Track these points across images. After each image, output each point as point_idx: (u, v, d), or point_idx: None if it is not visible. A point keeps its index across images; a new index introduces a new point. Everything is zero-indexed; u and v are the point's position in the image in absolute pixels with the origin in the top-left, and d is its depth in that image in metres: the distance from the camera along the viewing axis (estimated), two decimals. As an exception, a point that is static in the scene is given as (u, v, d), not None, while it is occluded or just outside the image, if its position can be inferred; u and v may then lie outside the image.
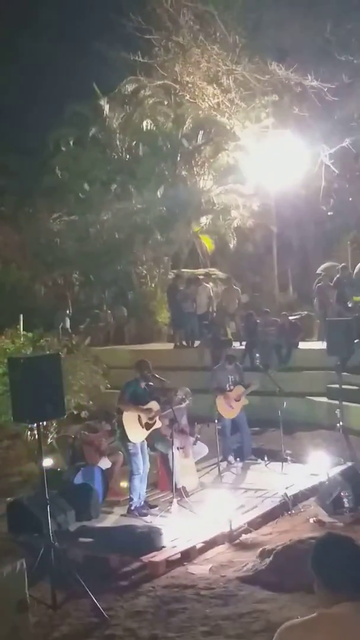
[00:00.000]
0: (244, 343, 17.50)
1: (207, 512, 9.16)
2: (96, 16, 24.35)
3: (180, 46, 23.30)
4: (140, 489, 9.71)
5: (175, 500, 9.61)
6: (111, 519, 9.56)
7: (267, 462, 11.61)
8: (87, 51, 23.09)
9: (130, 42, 22.97)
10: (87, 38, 23.46)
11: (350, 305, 16.50)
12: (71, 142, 25.35)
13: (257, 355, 16.64)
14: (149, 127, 24.57)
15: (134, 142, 24.84)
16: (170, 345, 19.97)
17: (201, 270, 24.26)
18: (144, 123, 24.49)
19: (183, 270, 24.08)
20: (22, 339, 14.63)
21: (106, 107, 24.43)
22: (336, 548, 2.94)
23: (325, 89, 21.56)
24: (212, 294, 19.76)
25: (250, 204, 23.79)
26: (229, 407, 11.84)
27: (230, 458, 11.85)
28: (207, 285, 20.05)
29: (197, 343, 18.87)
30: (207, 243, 25.81)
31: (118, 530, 8.91)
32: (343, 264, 18.32)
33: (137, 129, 24.67)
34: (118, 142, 24.86)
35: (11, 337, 14.70)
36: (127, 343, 21.09)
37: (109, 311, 22.65)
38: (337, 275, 17.85)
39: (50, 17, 26.01)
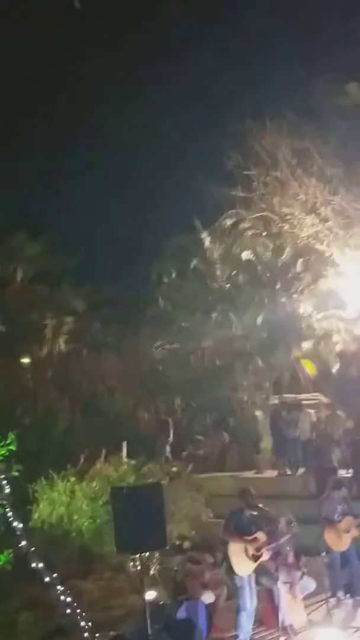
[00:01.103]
0: (350, 470, 16.96)
1: (317, 652, 8.71)
2: (198, 155, 25.68)
3: (279, 180, 24.12)
4: (246, 626, 9.35)
5: (282, 638, 9.20)
6: (216, 658, 9.22)
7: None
8: (189, 187, 24.23)
9: (230, 178, 23.99)
10: (189, 175, 24.68)
11: None
12: (173, 274, 26.24)
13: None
14: (248, 258, 25.21)
15: (234, 272, 25.46)
16: (274, 473, 19.57)
17: (304, 395, 24.00)
18: (244, 254, 25.16)
19: (285, 395, 23.90)
20: (125, 467, 14.73)
21: (206, 240, 25.31)
22: None
23: None
24: (315, 420, 19.43)
25: (353, 328, 23.67)
26: (338, 539, 11.38)
27: (340, 594, 11.29)
28: (310, 410, 19.76)
29: (301, 470, 18.44)
30: (309, 368, 25.63)
31: (223, 670, 8.57)
32: None
33: (236, 260, 25.32)
34: (218, 273, 25.54)
35: (114, 465, 14.83)
36: (230, 470, 20.81)
37: (211, 437, 22.56)
38: None
39: (151, 155, 27.60)
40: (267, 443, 21.78)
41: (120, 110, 27.99)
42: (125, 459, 15.99)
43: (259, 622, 10.13)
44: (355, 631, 9.81)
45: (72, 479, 14.49)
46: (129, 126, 27.92)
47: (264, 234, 25.46)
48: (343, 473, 16.93)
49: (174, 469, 16.03)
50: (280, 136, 23.71)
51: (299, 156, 23.91)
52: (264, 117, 23.69)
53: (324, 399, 23.68)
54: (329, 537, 11.27)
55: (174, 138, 26.87)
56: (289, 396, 23.60)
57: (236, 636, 9.29)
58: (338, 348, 24.35)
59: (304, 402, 21.35)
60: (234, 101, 24.48)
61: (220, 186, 23.80)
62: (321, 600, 10.82)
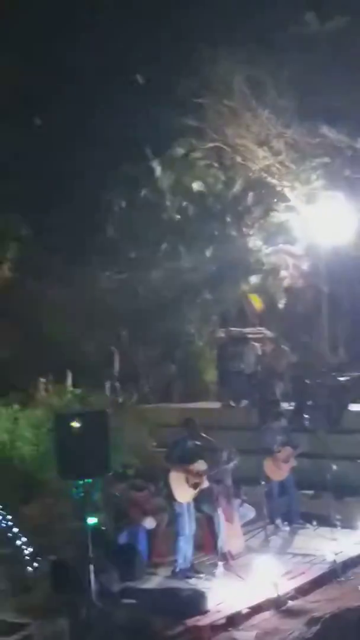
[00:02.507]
0: (292, 403, 17.26)
1: (253, 576, 8.94)
2: (149, 79, 25.00)
3: (232, 110, 23.71)
4: (185, 551, 9.53)
5: (220, 563, 9.40)
6: (155, 581, 9.40)
7: (316, 527, 11.30)
8: (140, 113, 23.64)
9: (182, 106, 23.46)
10: (140, 101, 24.05)
11: None
12: (123, 203, 25.84)
13: (306, 416, 16.40)
14: (199, 189, 24.94)
15: (184, 203, 25.18)
16: (218, 404, 19.81)
17: (250, 329, 24.19)
18: (195, 184, 24.86)
19: (231, 329, 24.05)
20: (69, 395, 14.70)
21: (157, 169, 24.90)
22: None
23: (377, 152, 21.68)
24: (260, 353, 19.63)
25: (300, 264, 23.80)
26: (277, 469, 11.61)
27: (278, 522, 11.58)
28: (255, 344, 19.95)
29: (244, 402, 18.70)
30: (256, 302, 25.78)
31: (162, 592, 8.75)
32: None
33: (187, 190, 25.02)
34: (168, 203, 25.22)
35: (59, 393, 14.79)
36: (175, 401, 21.00)
37: (157, 368, 22.67)
38: None
39: (102, 76, 26.78)
40: (212, 375, 22.01)
41: (71, 35, 26.96)
42: (70, 388, 15.96)
43: (199, 547, 10.33)
44: (292, 557, 10.09)
45: (16, 406, 14.40)
46: (79, 49, 26.95)
47: (216, 165, 25.16)
48: (285, 406, 17.23)
49: (119, 399, 16.06)
50: (235, 64, 23.22)
51: (253, 86, 23.50)
52: (219, 43, 23.14)
53: (269, 333, 23.91)
54: (268, 466, 11.49)
55: (126, 62, 26.08)
56: (235, 330, 23.76)
57: (175, 560, 9.46)
58: (285, 283, 24.53)
59: (249, 335, 21.51)
60: (189, 26, 23.75)
61: (173, 114, 23.29)
62: (259, 528, 11.09)
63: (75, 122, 26.41)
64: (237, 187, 24.41)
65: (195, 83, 23.25)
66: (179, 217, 25.25)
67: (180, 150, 24.78)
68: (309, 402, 16.66)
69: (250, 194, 24.47)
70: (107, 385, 19.20)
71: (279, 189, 23.63)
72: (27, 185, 23.95)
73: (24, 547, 10.53)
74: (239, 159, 24.17)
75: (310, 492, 12.96)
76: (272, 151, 23.57)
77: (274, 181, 23.63)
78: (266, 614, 8.33)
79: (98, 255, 25.40)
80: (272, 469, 11.45)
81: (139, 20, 25.58)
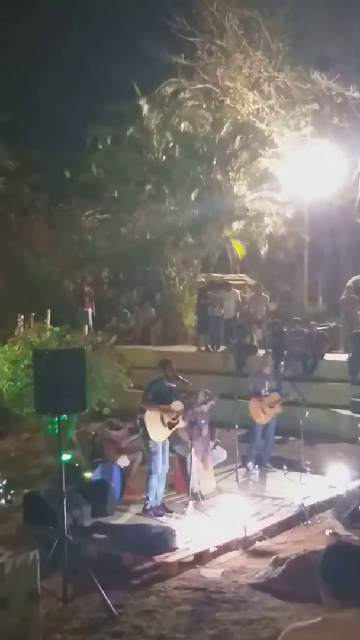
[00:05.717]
0: (270, 350, 17.38)
1: (223, 516, 9.12)
2: (141, 16, 24.47)
3: (223, 50, 23.31)
4: (157, 489, 9.68)
5: (191, 503, 9.58)
6: (126, 517, 9.55)
7: (286, 471, 11.52)
8: (129, 50, 23.18)
9: (173, 44, 23.02)
10: (130, 37, 23.57)
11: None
12: (108, 141, 25.49)
13: (282, 363, 16.55)
14: (186, 130, 24.62)
15: (171, 144, 24.89)
16: (195, 349, 19.92)
17: (230, 276, 24.22)
18: (182, 125, 24.55)
19: (212, 274, 24.06)
20: (48, 333, 14.71)
21: (145, 107, 24.52)
22: (345, 556, 2.98)
23: (367, 101, 21.49)
24: (240, 300, 19.70)
25: (284, 211, 23.73)
26: (261, 412, 11.75)
27: (250, 464, 11.78)
28: (236, 290, 20.00)
29: (222, 348, 18.82)
30: (238, 248, 25.76)
31: (132, 528, 8.90)
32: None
33: (174, 131, 24.72)
34: (155, 143, 24.92)
35: (38, 331, 14.79)
36: (153, 344, 21.09)
37: (137, 311, 22.67)
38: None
39: (93, 14, 26.19)
40: (191, 320, 22.09)
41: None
42: (49, 326, 15.95)
43: (171, 487, 10.52)
44: (261, 499, 10.29)
45: (-6, 342, 14.40)
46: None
47: (204, 106, 24.84)
48: (262, 353, 17.35)
49: (98, 338, 16.08)
50: (229, 3, 22.72)
51: (246, 27, 23.06)
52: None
53: (250, 280, 23.96)
54: (253, 408, 11.64)
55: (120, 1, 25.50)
56: (216, 275, 23.77)
57: (147, 498, 9.62)
58: (268, 231, 24.49)
59: (230, 282, 21.55)
60: None
61: (163, 51, 22.85)
62: (231, 470, 11.29)
63: (65, 58, 25.89)
64: (224, 129, 24.15)
65: (188, 21, 22.80)
66: (164, 158, 24.98)
67: (169, 89, 24.41)
68: (286, 351, 16.80)
69: (238, 138, 24.22)
70: (86, 325, 19.23)
71: (267, 134, 23.40)
72: (13, 119, 23.54)
73: (-2, 479, 10.66)
74: (228, 101, 23.87)
75: (279, 437, 13.20)
76: (262, 95, 23.28)
77: (263, 126, 23.39)
78: (234, 553, 8.52)
79: (81, 194, 25.15)
80: (257, 412, 11.56)
81: None
